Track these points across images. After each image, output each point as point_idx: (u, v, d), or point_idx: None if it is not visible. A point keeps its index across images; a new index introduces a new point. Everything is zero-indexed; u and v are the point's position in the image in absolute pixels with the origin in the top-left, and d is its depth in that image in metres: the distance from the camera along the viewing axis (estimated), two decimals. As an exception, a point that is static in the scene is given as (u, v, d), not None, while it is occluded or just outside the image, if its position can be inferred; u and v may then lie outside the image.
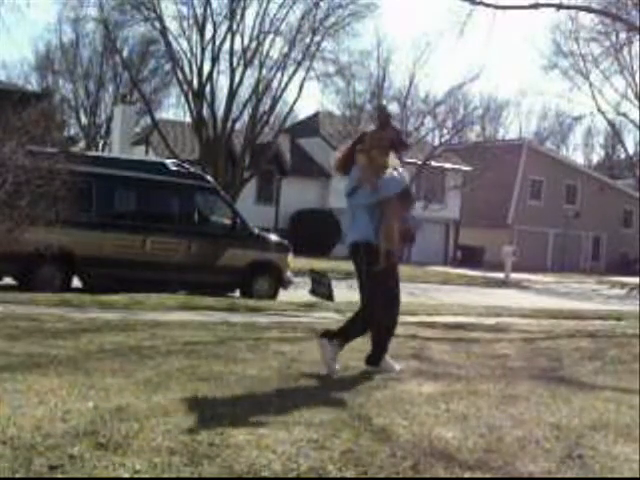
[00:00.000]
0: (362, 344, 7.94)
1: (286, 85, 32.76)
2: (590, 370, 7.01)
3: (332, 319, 11.08)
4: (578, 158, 68.73)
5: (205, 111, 31.82)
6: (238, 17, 31.73)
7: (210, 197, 15.76)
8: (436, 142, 37.47)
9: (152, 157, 33.57)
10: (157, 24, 31.60)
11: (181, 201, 15.08)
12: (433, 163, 39.81)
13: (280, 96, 33.78)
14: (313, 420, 4.29)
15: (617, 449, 4.09)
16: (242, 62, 31.82)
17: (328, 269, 22.12)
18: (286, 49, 32.09)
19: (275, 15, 32.10)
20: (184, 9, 32.08)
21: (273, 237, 16.55)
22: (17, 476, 3.18)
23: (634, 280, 30.40)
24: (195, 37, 31.75)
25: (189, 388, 4.99)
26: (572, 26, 32.15)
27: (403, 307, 14.96)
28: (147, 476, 3.28)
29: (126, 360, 6.03)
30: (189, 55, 31.75)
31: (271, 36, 32.26)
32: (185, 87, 32.12)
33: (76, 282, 13.98)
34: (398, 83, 48.58)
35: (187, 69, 31.73)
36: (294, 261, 16.57)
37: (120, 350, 6.58)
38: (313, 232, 37.59)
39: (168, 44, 31.79)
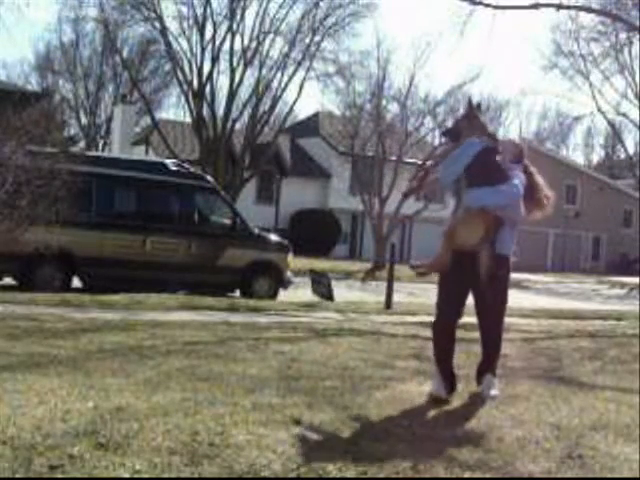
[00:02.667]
0: (358, 344, 7.95)
1: (286, 85, 32.83)
2: (590, 370, 7.01)
3: (332, 319, 11.09)
4: (578, 158, 68.66)
5: (205, 111, 31.83)
6: (238, 17, 31.78)
7: (210, 197, 15.77)
8: (436, 142, 37.44)
9: (152, 157, 33.58)
10: (157, 24, 31.63)
11: (181, 201, 15.09)
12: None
13: (280, 96, 33.85)
14: (313, 420, 4.29)
15: (617, 449, 4.09)
16: (242, 62, 31.84)
17: (328, 269, 22.17)
18: (286, 49, 32.16)
19: (275, 15, 32.17)
20: (184, 9, 32.12)
21: (273, 237, 16.56)
22: (17, 476, 3.18)
23: (634, 280, 30.43)
24: (195, 37, 31.83)
25: (189, 388, 4.99)
26: (572, 26, 32.09)
27: (403, 307, 14.96)
28: (147, 476, 3.28)
29: (126, 360, 6.03)
30: (189, 55, 31.81)
31: (271, 36, 32.33)
32: (185, 87, 32.13)
33: (76, 282, 13.98)
34: (398, 83, 48.52)
35: (187, 69, 31.78)
36: (294, 261, 16.57)
37: (120, 350, 6.58)
38: (313, 232, 37.62)
39: (168, 44, 31.81)
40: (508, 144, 5.63)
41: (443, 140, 6.52)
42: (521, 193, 5.21)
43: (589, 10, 19.69)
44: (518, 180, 5.23)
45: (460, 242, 5.18)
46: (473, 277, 5.14)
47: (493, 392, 5.25)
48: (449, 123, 38.23)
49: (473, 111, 5.45)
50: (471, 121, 5.39)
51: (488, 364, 5.39)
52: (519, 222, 5.37)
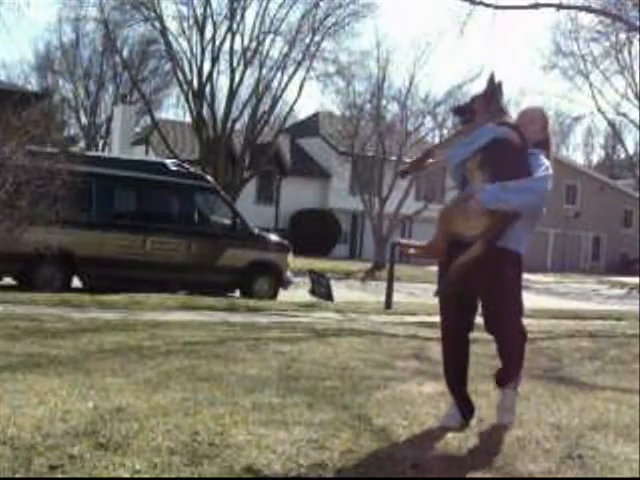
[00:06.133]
0: (358, 344, 7.94)
1: (286, 85, 32.79)
2: (590, 370, 7.02)
3: (332, 319, 11.09)
4: (578, 158, 68.67)
5: (205, 111, 31.81)
6: (238, 17, 31.75)
7: (210, 197, 15.77)
8: (436, 142, 37.55)
9: (152, 157, 33.58)
10: (157, 24, 31.58)
11: (181, 201, 15.08)
12: (433, 163, 39.72)
13: (280, 96, 33.80)
14: (313, 420, 4.28)
15: (617, 449, 4.09)
16: (242, 62, 31.82)
17: (328, 269, 22.18)
18: (286, 49, 32.13)
19: (275, 15, 32.14)
20: (184, 9, 32.07)
21: (273, 237, 16.56)
22: (17, 476, 3.18)
23: (634, 280, 30.43)
24: (195, 37, 31.77)
25: (189, 388, 4.99)
26: (572, 26, 32.11)
27: (403, 307, 14.95)
28: (147, 476, 3.28)
29: (126, 360, 6.03)
30: (189, 55, 31.78)
31: (271, 36, 32.30)
32: (185, 87, 32.10)
33: (76, 282, 13.98)
34: (398, 83, 48.60)
35: (187, 69, 31.74)
36: (294, 261, 16.57)
37: (120, 350, 6.58)
38: (313, 232, 37.64)
39: (168, 44, 31.79)
40: (534, 113, 4.78)
41: (454, 119, 5.15)
42: (547, 187, 4.39)
43: (589, 10, 19.66)
44: (543, 169, 4.38)
45: (456, 231, 4.40)
46: (479, 277, 4.25)
47: (507, 418, 4.47)
48: (449, 123, 38.33)
49: (494, 89, 4.62)
50: (489, 101, 4.59)
51: (504, 373, 4.53)
52: (540, 217, 4.50)
